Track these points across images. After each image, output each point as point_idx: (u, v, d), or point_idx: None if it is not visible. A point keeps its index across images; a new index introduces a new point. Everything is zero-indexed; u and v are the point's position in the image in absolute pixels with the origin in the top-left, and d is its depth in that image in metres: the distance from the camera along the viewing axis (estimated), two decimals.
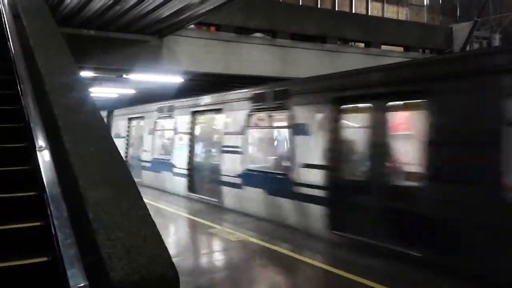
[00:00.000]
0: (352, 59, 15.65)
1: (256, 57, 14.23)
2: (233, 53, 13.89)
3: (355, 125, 8.15)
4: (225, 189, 10.99)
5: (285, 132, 9.76)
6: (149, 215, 2.32)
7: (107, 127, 3.28)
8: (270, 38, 15.20)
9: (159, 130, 15.57)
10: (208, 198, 11.76)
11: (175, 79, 14.34)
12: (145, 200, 2.45)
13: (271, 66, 14.44)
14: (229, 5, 10.16)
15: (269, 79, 13.71)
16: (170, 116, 14.50)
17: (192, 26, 13.23)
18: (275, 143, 10.97)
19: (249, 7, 14.30)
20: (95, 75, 13.75)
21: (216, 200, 11.26)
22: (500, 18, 20.77)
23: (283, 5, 18.04)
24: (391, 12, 22.84)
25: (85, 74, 12.71)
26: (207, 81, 15.48)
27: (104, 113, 19.60)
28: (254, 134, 10.98)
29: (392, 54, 17.34)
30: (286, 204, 8.88)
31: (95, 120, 3.22)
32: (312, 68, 14.11)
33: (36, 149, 3.08)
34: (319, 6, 20.54)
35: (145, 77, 13.96)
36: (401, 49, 18.90)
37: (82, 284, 1.97)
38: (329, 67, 14.40)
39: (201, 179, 12.57)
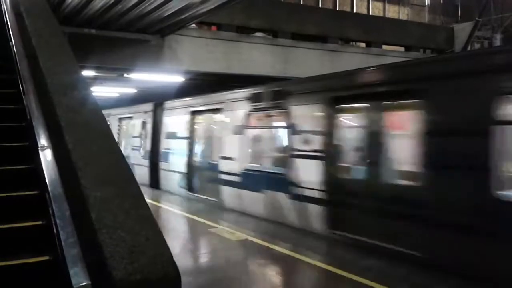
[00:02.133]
0: (353, 58, 15.65)
1: (257, 56, 14.23)
2: (234, 52, 13.90)
3: None
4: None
5: None
6: (151, 214, 2.33)
7: (109, 126, 3.29)
8: (271, 37, 15.20)
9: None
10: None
11: (176, 79, 14.36)
12: None
13: (272, 65, 14.45)
14: (230, 5, 10.17)
15: (270, 78, 13.72)
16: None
17: (194, 25, 13.25)
18: None
19: (250, 6, 14.31)
20: (97, 74, 13.77)
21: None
22: (501, 18, 20.76)
23: (284, 4, 18.03)
24: (392, 11, 22.84)
25: (87, 73, 12.73)
26: (208, 80, 15.51)
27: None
28: None
29: (393, 54, 17.34)
30: None
31: (97, 119, 3.23)
32: (313, 67, 14.11)
33: (39, 148, 3.09)
34: (320, 6, 20.54)
35: (146, 77, 13.97)
36: (402, 48, 18.90)
37: (84, 283, 1.98)
38: (330, 66, 14.40)
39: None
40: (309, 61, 14.97)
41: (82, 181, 2.40)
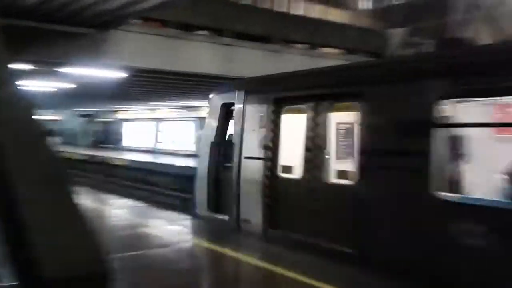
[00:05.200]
0: (293, 60, 15.91)
1: (201, 54, 14.22)
2: (178, 49, 13.82)
3: None
4: None
5: None
6: (83, 212, 2.34)
7: (41, 123, 3.24)
8: (214, 36, 15.19)
9: None
10: None
11: (118, 74, 14.11)
12: None
13: (216, 64, 14.48)
14: (174, 2, 10.14)
15: (214, 77, 13.76)
16: None
17: (138, 21, 13.06)
18: None
19: (195, 4, 14.26)
20: (34, 68, 13.30)
21: None
22: (436, 24, 21.74)
23: (230, 4, 18.08)
24: (334, 15, 23.37)
25: (24, 66, 12.28)
26: (152, 78, 15.32)
27: None
28: None
29: (332, 57, 17.78)
30: None
31: (29, 115, 3.18)
32: (256, 67, 14.23)
33: None
34: (265, 6, 20.68)
35: (86, 71, 13.64)
36: (341, 51, 19.36)
37: (12, 284, 1.98)
38: (273, 67, 14.57)
39: None
40: (253, 61, 15.10)
41: (12, 178, 2.38)
